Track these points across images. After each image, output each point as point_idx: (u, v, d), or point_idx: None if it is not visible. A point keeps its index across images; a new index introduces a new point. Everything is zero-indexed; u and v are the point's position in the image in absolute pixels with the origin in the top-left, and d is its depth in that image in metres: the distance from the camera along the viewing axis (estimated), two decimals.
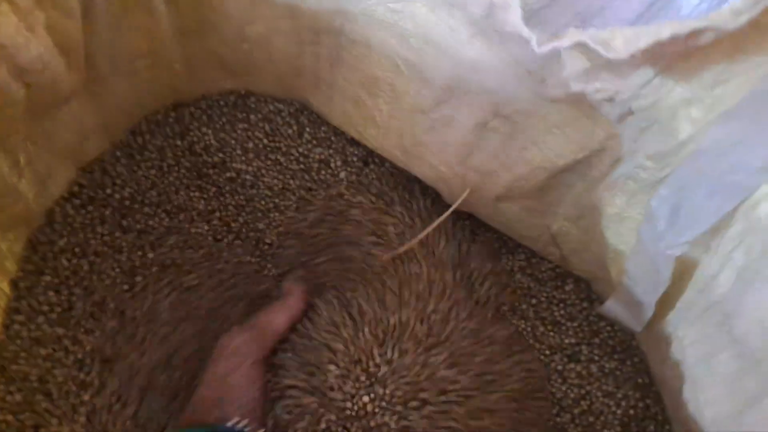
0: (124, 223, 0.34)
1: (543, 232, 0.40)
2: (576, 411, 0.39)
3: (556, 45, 0.21)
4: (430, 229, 0.35)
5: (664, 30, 0.19)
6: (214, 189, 0.38)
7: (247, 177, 0.38)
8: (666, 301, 0.34)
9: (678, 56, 0.21)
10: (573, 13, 0.32)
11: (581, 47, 0.22)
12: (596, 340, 0.41)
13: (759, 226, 0.23)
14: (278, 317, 0.34)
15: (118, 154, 0.35)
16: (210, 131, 0.38)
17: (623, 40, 0.20)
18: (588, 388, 0.40)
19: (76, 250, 0.32)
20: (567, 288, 0.43)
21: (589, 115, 0.29)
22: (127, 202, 0.34)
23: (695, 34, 0.18)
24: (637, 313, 0.36)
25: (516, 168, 0.34)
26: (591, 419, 0.39)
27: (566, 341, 0.41)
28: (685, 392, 0.33)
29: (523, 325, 0.41)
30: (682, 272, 0.31)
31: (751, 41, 0.19)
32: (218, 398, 0.30)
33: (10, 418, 0.29)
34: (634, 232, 0.33)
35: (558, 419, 0.39)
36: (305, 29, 0.33)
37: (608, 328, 0.41)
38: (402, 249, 0.35)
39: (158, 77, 0.33)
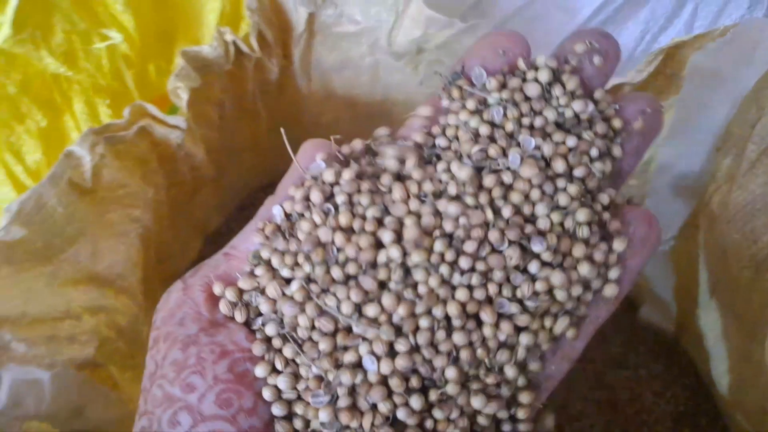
0: None
1: None
2: (629, 411, 0.44)
3: None
4: None
5: None
6: None
7: None
8: (691, 300, 0.40)
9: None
10: None
11: None
12: (642, 348, 0.46)
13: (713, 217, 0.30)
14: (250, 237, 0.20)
15: (231, 225, 0.46)
16: None
17: None
18: (638, 390, 0.44)
19: None
20: None
21: None
22: None
23: (617, 87, 0.27)
24: (667, 312, 0.41)
25: None
26: (644, 417, 0.43)
27: (614, 350, 0.46)
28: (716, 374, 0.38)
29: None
30: (691, 269, 0.37)
31: (664, 86, 0.28)
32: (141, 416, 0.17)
33: None
34: None
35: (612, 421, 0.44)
36: (362, 115, 0.45)
37: (653, 336, 0.47)
38: None
39: (257, 164, 0.45)
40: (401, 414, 0.17)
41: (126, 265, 0.32)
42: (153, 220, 0.35)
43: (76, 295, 0.29)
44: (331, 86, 0.43)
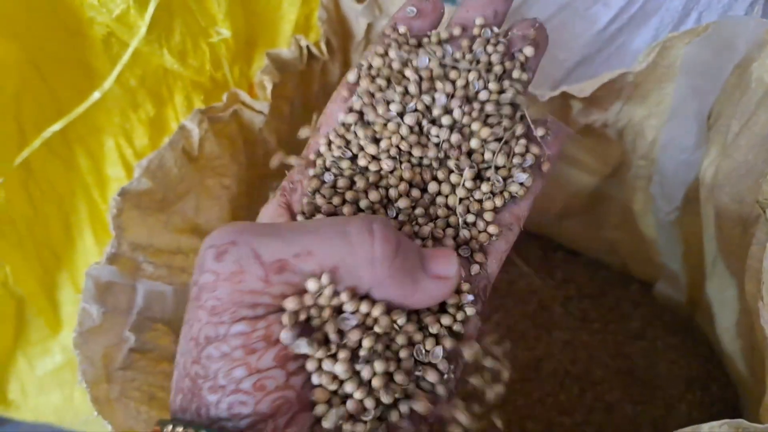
0: None
1: (602, 243, 0.53)
2: (645, 377, 0.49)
3: (550, 94, 0.36)
4: None
5: (606, 76, 0.34)
6: None
7: None
8: (698, 270, 0.45)
9: (629, 90, 0.36)
10: (605, 67, 0.47)
11: (570, 96, 0.37)
12: (659, 323, 0.51)
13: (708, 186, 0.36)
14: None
15: None
16: None
17: (589, 87, 0.35)
18: (654, 359, 0.49)
19: None
20: (632, 288, 0.53)
21: (603, 139, 0.43)
22: None
23: (622, 76, 0.33)
24: (678, 285, 0.46)
25: (566, 188, 0.49)
26: (659, 382, 0.48)
27: (633, 325, 0.51)
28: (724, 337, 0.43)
29: (594, 318, 0.52)
30: (695, 238, 0.42)
31: (663, 76, 0.34)
32: (192, 376, 0.18)
33: None
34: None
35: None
36: None
37: (669, 313, 0.51)
38: None
39: None
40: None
41: (218, 222, 0.40)
42: (237, 190, 0.43)
43: (184, 239, 0.36)
44: None
